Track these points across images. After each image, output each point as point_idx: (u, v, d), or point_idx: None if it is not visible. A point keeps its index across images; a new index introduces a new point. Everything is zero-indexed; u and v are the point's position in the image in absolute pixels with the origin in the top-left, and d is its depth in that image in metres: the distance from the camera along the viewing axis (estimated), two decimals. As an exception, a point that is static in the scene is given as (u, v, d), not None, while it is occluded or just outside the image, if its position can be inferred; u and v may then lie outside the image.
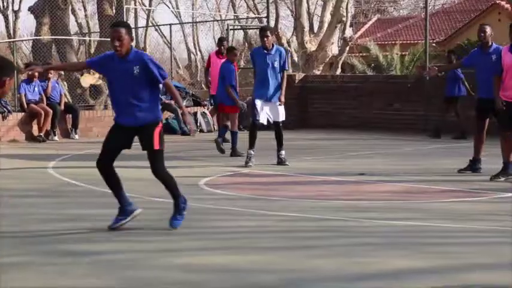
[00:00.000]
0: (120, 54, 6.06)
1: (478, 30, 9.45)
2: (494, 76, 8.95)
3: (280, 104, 10.50)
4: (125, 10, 17.86)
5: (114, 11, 18.75)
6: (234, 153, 11.68)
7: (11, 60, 5.13)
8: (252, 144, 10.53)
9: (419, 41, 27.12)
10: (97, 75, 17.87)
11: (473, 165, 9.45)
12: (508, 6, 22.36)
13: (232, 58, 12.69)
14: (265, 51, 10.60)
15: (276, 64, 10.51)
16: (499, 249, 5.58)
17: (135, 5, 26.22)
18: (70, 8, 21.32)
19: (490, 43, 9.28)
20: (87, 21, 35.12)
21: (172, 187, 6.46)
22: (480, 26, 9.55)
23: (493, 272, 4.92)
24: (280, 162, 10.57)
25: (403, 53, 24.79)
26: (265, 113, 10.56)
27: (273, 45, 10.64)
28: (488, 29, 9.32)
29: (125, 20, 17.71)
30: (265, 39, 10.53)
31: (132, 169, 10.55)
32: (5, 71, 4.95)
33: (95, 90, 17.59)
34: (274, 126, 10.67)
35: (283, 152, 10.63)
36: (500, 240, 5.89)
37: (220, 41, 15.02)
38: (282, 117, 10.61)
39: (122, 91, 6.17)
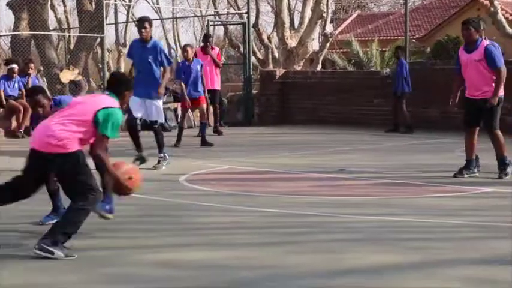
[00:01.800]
0: None
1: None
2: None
3: (157, 97, 9.64)
4: (104, 5, 17.71)
5: (93, 6, 18.64)
6: (204, 143, 12.30)
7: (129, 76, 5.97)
8: (137, 146, 9.70)
9: (399, 37, 27.21)
10: (76, 70, 17.80)
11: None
12: (487, 2, 22.47)
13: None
14: (142, 44, 9.73)
15: (151, 59, 9.58)
16: (479, 244, 5.60)
17: (115, 0, 26.04)
18: (49, 3, 21.15)
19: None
20: (67, 17, 34.89)
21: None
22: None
23: (473, 267, 4.94)
24: (158, 162, 9.79)
25: (384, 49, 24.85)
26: (143, 111, 9.73)
27: (151, 38, 9.70)
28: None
29: (104, 15, 17.58)
30: (143, 30, 9.53)
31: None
32: (125, 85, 5.67)
33: (74, 85, 17.47)
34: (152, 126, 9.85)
35: (161, 155, 9.89)
36: (479, 235, 5.93)
37: (206, 37, 15.29)
38: (156, 116, 9.71)
39: None
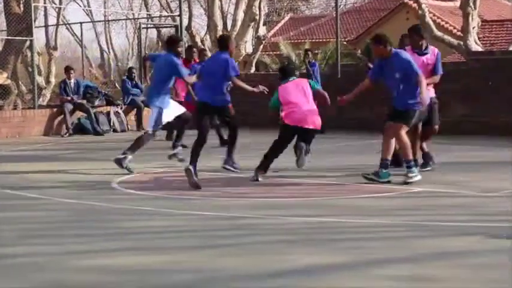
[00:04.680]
0: None
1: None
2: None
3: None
4: (33, 8, 17.38)
5: (22, 8, 18.27)
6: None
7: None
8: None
9: (331, 39, 27.53)
10: (5, 74, 17.41)
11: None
12: (415, 5, 22.93)
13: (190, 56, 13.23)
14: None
15: None
16: (410, 243, 5.70)
17: (45, 3, 25.59)
18: (-24, 5, 20.67)
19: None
20: (-5, 19, 34.14)
21: None
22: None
23: (405, 265, 5.02)
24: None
25: (316, 51, 25.09)
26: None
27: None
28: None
29: (33, 18, 17.26)
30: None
31: (42, 172, 10.34)
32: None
33: (3, 90, 17.11)
34: None
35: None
36: (410, 234, 6.02)
37: (190, 49, 14.44)
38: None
39: None
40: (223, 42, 9.49)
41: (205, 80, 9.50)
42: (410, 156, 8.56)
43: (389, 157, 8.66)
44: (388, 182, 8.53)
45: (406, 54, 8.86)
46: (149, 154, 11.81)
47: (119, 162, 9.58)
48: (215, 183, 9.09)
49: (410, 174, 8.49)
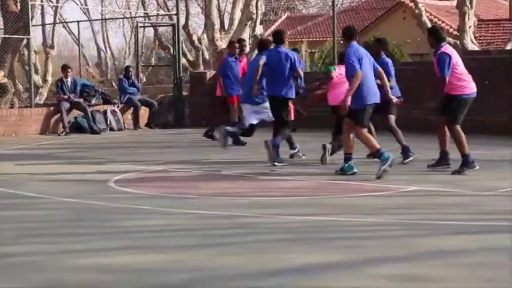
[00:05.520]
0: None
1: None
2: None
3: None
4: (29, 6, 17.39)
5: (18, 7, 18.27)
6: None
7: None
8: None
9: (328, 38, 27.54)
10: (2, 73, 17.41)
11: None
12: (412, 4, 22.96)
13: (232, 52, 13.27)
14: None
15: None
16: (406, 241, 5.72)
17: (42, 1, 25.59)
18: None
19: None
20: (-9, 18, 34.06)
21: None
22: None
23: (400, 264, 5.04)
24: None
25: (313, 50, 25.13)
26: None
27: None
28: None
29: (30, 16, 17.25)
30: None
31: (39, 170, 10.36)
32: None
33: (0, 88, 17.11)
34: None
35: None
36: (406, 233, 6.05)
37: (234, 43, 14.09)
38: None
39: None
40: (281, 37, 10.09)
41: (273, 75, 10.03)
42: (377, 146, 8.91)
43: (351, 151, 9.12)
44: (354, 173, 8.99)
45: (352, 50, 8.86)
46: (146, 153, 11.85)
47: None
48: (210, 181, 9.11)
49: (381, 163, 8.73)
